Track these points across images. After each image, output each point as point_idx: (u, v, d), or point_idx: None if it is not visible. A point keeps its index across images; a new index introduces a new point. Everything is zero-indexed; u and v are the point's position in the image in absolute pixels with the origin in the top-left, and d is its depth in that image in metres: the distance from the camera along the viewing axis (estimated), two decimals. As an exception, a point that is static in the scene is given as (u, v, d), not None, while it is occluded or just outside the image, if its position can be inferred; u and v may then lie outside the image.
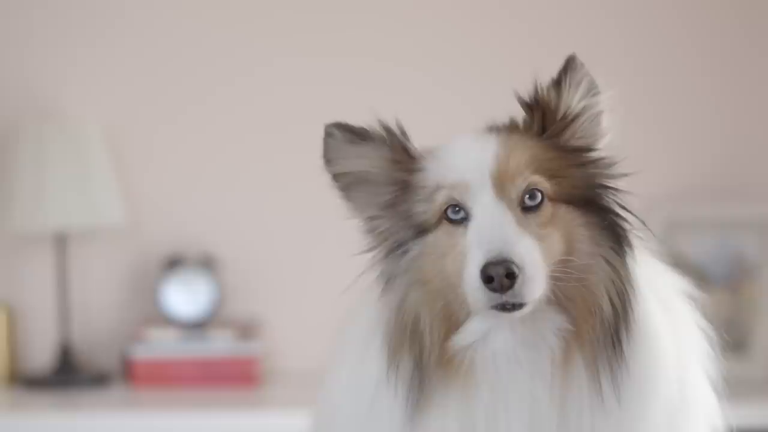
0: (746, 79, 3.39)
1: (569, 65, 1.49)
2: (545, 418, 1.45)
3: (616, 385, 1.44)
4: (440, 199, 1.47)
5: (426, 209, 1.48)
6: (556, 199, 1.46)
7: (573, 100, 1.49)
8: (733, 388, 1.54)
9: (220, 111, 3.36)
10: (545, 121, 1.49)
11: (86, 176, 3.20)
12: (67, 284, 3.29)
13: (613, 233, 1.47)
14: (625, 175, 1.49)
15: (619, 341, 1.45)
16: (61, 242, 3.26)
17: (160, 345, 3.21)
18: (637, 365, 1.45)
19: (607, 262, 1.46)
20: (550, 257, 1.43)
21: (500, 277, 1.38)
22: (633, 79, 3.28)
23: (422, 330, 1.47)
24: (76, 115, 3.31)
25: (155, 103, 3.36)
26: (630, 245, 1.47)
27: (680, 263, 1.59)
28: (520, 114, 1.51)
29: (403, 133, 1.51)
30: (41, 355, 3.34)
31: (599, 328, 1.45)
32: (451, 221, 1.46)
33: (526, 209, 1.45)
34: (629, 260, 1.46)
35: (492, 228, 1.42)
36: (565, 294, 1.45)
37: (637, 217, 1.48)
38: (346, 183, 1.52)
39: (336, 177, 1.52)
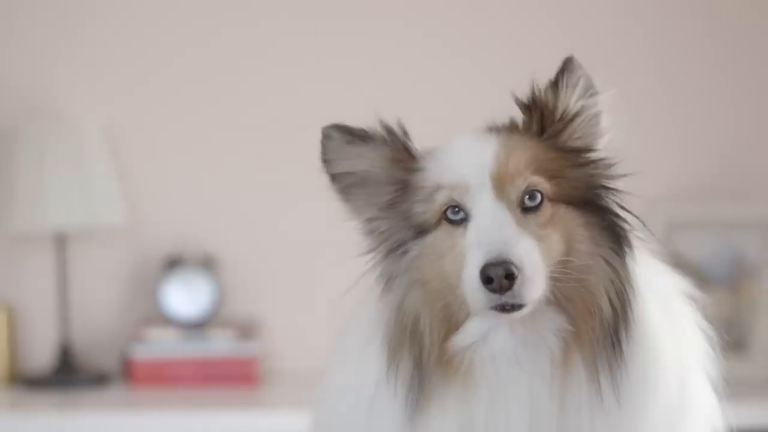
0: (746, 79, 3.39)
1: (567, 66, 1.49)
2: (545, 418, 1.45)
3: (616, 386, 1.44)
4: (440, 199, 1.47)
5: (425, 209, 1.48)
6: (556, 200, 1.46)
7: (570, 100, 1.49)
8: (733, 388, 1.54)
9: (220, 111, 3.36)
10: (544, 121, 1.49)
11: (86, 176, 3.19)
12: (67, 284, 3.29)
13: (612, 233, 1.47)
14: (625, 175, 1.49)
15: (619, 341, 1.45)
16: (61, 242, 3.26)
17: (160, 345, 3.21)
18: (637, 365, 1.45)
19: (607, 262, 1.46)
20: (550, 258, 1.43)
21: (499, 278, 1.38)
22: (633, 79, 3.28)
23: (422, 330, 1.47)
24: (76, 116, 3.31)
25: (155, 103, 3.36)
26: (630, 246, 1.47)
27: (680, 263, 1.59)
28: (519, 114, 1.51)
29: (405, 132, 1.51)
30: (41, 355, 3.34)
31: (599, 328, 1.45)
32: (451, 222, 1.46)
33: (526, 210, 1.45)
34: (629, 261, 1.46)
35: (491, 229, 1.42)
36: (565, 294, 1.45)
37: (636, 217, 1.48)
38: (345, 184, 1.52)
39: (335, 178, 1.52)
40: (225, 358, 3.21)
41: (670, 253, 1.58)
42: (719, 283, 3.24)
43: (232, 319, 3.33)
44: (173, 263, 3.26)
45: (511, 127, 1.51)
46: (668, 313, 1.50)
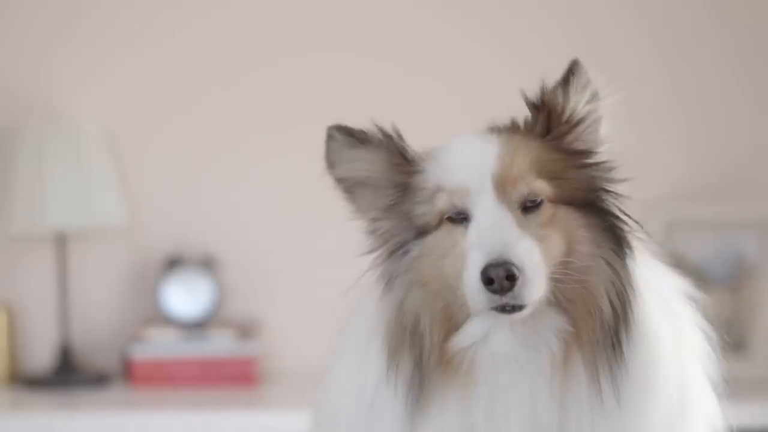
0: (747, 79, 3.39)
1: (574, 68, 1.49)
2: (545, 418, 1.45)
3: (616, 386, 1.44)
4: (441, 202, 1.47)
5: (426, 211, 1.48)
6: (557, 201, 1.46)
7: (579, 103, 1.49)
8: (733, 388, 1.54)
9: (220, 111, 3.36)
10: (550, 122, 1.49)
11: (86, 176, 3.19)
12: (67, 284, 3.29)
13: (613, 235, 1.47)
14: (626, 179, 1.49)
15: (619, 342, 1.45)
16: (61, 242, 3.26)
17: (160, 345, 3.21)
18: (637, 366, 1.45)
19: (608, 263, 1.46)
20: (551, 258, 1.43)
21: (500, 279, 1.38)
22: (632, 79, 3.27)
23: (422, 331, 1.47)
24: (76, 116, 3.31)
25: (155, 103, 3.36)
26: (630, 247, 1.47)
27: (680, 264, 1.59)
28: (520, 115, 1.51)
29: (400, 136, 1.51)
30: (41, 355, 3.33)
31: (599, 329, 1.45)
32: (452, 221, 1.46)
33: (527, 210, 1.45)
34: (629, 262, 1.46)
35: (492, 230, 1.42)
36: (565, 295, 1.45)
37: (636, 222, 1.48)
38: (348, 186, 1.52)
39: (338, 180, 1.52)
40: (225, 358, 3.21)
41: (670, 253, 1.58)
42: (719, 284, 3.24)
43: (232, 319, 3.33)
44: (173, 263, 3.26)
45: (513, 128, 1.51)
46: (668, 313, 1.50)
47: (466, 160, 1.47)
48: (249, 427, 2.94)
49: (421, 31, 3.37)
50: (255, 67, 3.36)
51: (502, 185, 1.45)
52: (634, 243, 1.48)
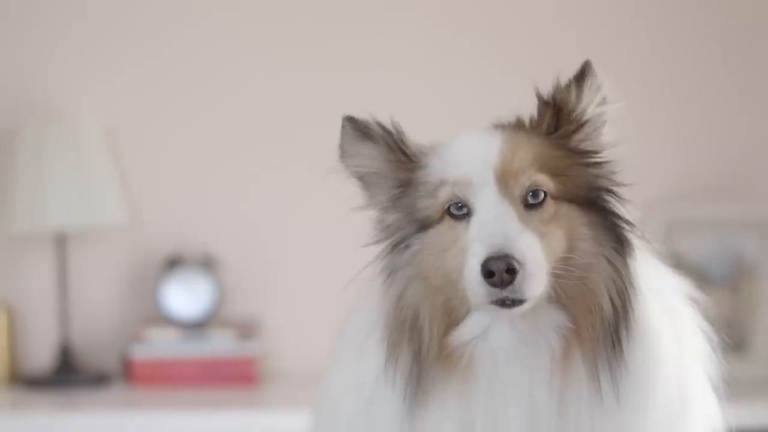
0: (747, 79, 3.39)
1: (587, 70, 1.49)
2: (544, 414, 1.45)
3: (616, 384, 1.44)
4: (443, 195, 1.47)
5: (429, 205, 1.48)
6: (559, 198, 1.47)
7: (591, 104, 1.49)
8: (733, 388, 1.54)
9: (220, 111, 3.36)
10: (559, 120, 1.49)
11: (86, 176, 3.19)
12: (67, 284, 3.29)
13: (614, 234, 1.47)
14: (628, 184, 1.49)
15: (619, 340, 1.45)
16: (61, 242, 3.26)
17: (160, 345, 3.21)
18: (637, 364, 1.45)
19: (609, 261, 1.46)
20: (552, 255, 1.43)
21: (501, 272, 1.39)
22: (633, 79, 3.27)
23: (422, 324, 1.47)
24: (76, 115, 3.31)
25: (155, 103, 3.36)
26: (632, 246, 1.47)
27: (680, 263, 1.59)
28: (523, 114, 1.52)
29: (400, 132, 1.52)
30: (41, 355, 3.33)
31: (599, 326, 1.45)
32: (454, 216, 1.47)
33: (529, 206, 1.45)
34: (630, 260, 1.47)
35: (494, 223, 1.43)
36: (566, 292, 1.45)
37: (636, 226, 1.48)
38: (358, 177, 1.54)
39: (349, 171, 1.54)
40: (225, 358, 3.21)
41: (670, 253, 1.58)
42: (719, 284, 3.24)
43: (232, 319, 3.33)
44: (173, 263, 3.26)
45: (517, 125, 1.52)
46: (669, 313, 1.51)
47: (469, 153, 1.48)
48: (249, 427, 2.94)
49: (426, 41, 3.37)
50: (254, 67, 3.36)
51: (504, 178, 1.45)
52: (636, 242, 1.48)
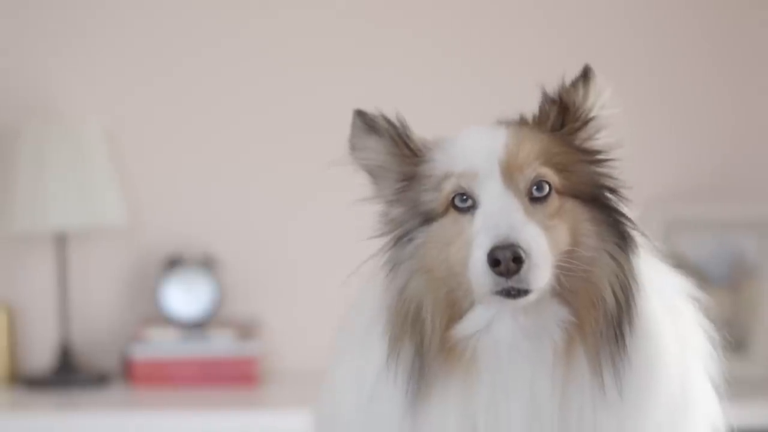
0: (746, 79, 3.40)
1: (590, 72, 1.51)
2: (546, 409, 1.45)
3: (618, 379, 1.45)
4: (448, 187, 1.48)
5: (433, 198, 1.49)
6: (564, 193, 1.47)
7: (596, 104, 1.51)
8: (733, 388, 1.54)
9: (220, 112, 3.36)
10: (564, 117, 1.50)
11: (86, 176, 3.19)
12: (67, 284, 3.29)
13: (617, 230, 1.48)
14: (629, 187, 1.49)
15: (622, 335, 1.45)
16: (61, 242, 3.26)
17: (160, 345, 3.21)
18: (640, 359, 1.46)
19: (612, 256, 1.47)
20: (556, 248, 1.44)
21: (507, 260, 1.39)
22: (632, 79, 3.28)
23: (424, 317, 1.47)
24: (76, 115, 3.31)
25: (156, 103, 3.36)
26: (634, 242, 1.48)
27: (680, 263, 1.59)
28: (526, 112, 1.53)
29: (404, 126, 1.53)
30: (41, 355, 3.33)
31: (602, 320, 1.45)
32: (459, 209, 1.47)
33: (534, 200, 1.46)
34: (633, 256, 1.47)
35: (500, 214, 1.43)
36: (569, 286, 1.45)
37: (638, 228, 1.49)
38: (367, 170, 1.54)
39: (357, 164, 1.54)
40: (225, 358, 3.21)
41: (670, 253, 1.58)
42: (719, 284, 3.24)
43: (232, 319, 3.33)
44: (173, 263, 3.26)
45: (522, 121, 1.53)
46: (670, 311, 1.51)
47: (474, 147, 1.49)
48: (249, 427, 2.94)
49: (427, 40, 3.37)
50: (255, 68, 3.36)
51: (509, 171, 1.46)
52: (638, 240, 1.49)
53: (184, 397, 3.12)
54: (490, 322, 1.46)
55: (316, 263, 3.32)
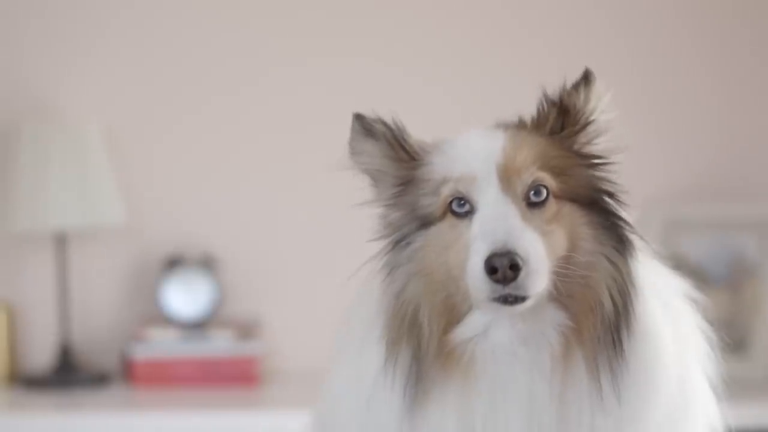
0: (746, 78, 3.39)
1: (591, 76, 1.50)
2: (544, 414, 1.45)
3: (616, 383, 1.44)
4: (446, 191, 1.47)
5: (431, 202, 1.48)
6: (561, 197, 1.47)
7: (596, 108, 1.50)
8: (733, 388, 1.54)
9: (220, 111, 3.36)
10: (564, 121, 1.50)
11: (86, 176, 3.20)
12: (67, 284, 3.29)
13: (615, 234, 1.48)
14: (627, 190, 1.49)
15: (620, 339, 1.45)
16: (61, 242, 3.26)
17: (160, 345, 3.21)
18: (638, 364, 1.46)
19: (609, 260, 1.46)
20: (553, 253, 1.44)
21: (504, 268, 1.39)
22: (632, 79, 3.28)
23: (421, 322, 1.47)
24: (76, 115, 3.31)
25: (155, 103, 3.36)
26: (632, 246, 1.48)
27: (679, 264, 1.59)
28: (525, 114, 1.53)
29: (401, 129, 1.52)
30: (41, 355, 3.33)
31: (600, 325, 1.45)
32: (456, 214, 1.47)
33: (531, 205, 1.46)
34: (631, 260, 1.47)
35: (497, 220, 1.43)
36: (567, 291, 1.45)
37: (635, 232, 1.49)
38: (366, 174, 1.54)
39: (357, 167, 1.54)
40: (225, 358, 3.21)
41: (669, 253, 1.58)
42: (718, 284, 3.24)
43: (232, 319, 3.33)
44: (173, 263, 3.26)
45: (519, 125, 1.53)
46: (669, 313, 1.51)
47: (472, 151, 1.48)
48: (249, 427, 2.94)
49: (425, 36, 3.37)
50: (254, 67, 3.36)
51: (506, 175, 1.46)
52: (636, 243, 1.49)
53: (185, 397, 3.12)
54: (487, 327, 1.46)
55: (317, 263, 3.32)
